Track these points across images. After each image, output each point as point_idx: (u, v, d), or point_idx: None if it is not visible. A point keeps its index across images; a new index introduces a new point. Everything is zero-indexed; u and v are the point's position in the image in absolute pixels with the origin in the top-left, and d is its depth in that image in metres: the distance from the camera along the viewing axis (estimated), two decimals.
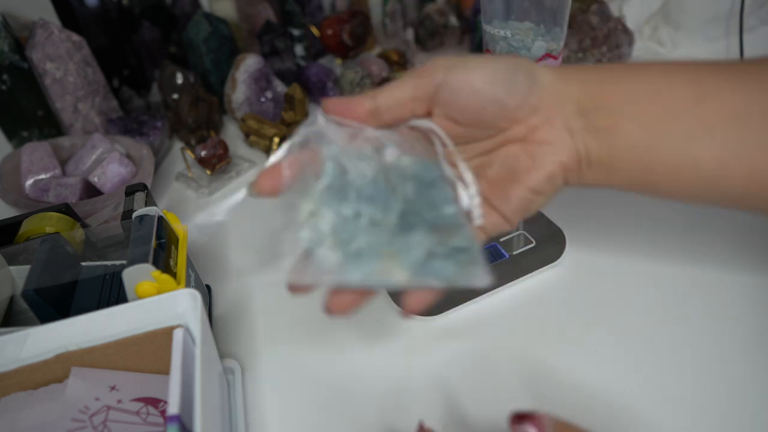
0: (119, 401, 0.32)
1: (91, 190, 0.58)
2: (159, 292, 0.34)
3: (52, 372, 0.32)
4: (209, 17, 0.72)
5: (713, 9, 0.71)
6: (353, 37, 0.85)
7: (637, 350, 0.39)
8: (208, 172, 0.63)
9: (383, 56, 0.83)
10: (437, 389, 0.38)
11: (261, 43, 0.77)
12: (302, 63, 0.84)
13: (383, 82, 0.78)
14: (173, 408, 0.28)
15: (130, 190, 0.47)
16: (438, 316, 0.43)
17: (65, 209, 0.45)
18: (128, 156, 0.61)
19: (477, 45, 0.86)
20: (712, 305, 0.42)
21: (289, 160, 0.34)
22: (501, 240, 0.48)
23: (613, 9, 0.73)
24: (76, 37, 0.65)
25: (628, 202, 0.53)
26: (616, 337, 0.40)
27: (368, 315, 0.44)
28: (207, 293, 0.47)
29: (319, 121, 0.32)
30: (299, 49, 0.83)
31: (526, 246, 0.48)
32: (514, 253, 0.47)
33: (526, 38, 0.53)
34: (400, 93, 0.32)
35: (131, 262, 0.34)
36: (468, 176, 0.32)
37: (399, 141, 0.32)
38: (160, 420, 0.32)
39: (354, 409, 0.38)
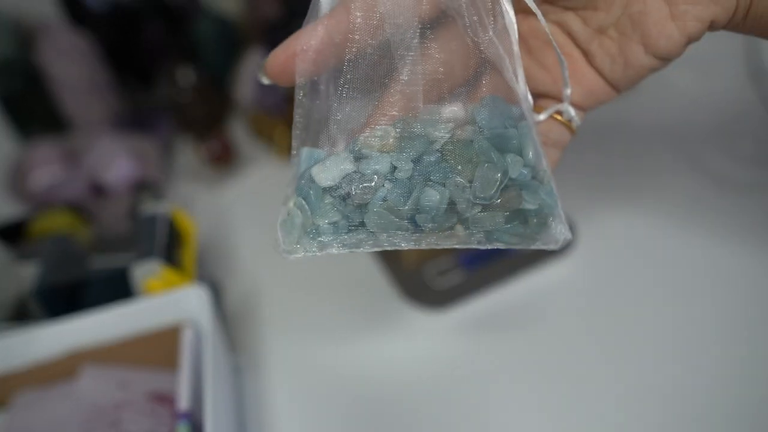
0: (129, 398, 0.32)
1: (99, 189, 0.58)
2: (168, 289, 0.34)
3: (63, 369, 0.33)
4: (215, 14, 0.72)
5: None
6: None
7: (651, 342, 0.39)
8: (216, 169, 0.63)
9: None
10: (447, 384, 0.38)
11: (267, 39, 0.77)
12: None
13: None
14: (183, 404, 0.28)
15: (138, 188, 0.47)
16: (447, 310, 0.43)
17: (74, 207, 0.45)
18: (135, 154, 0.61)
19: None
20: (724, 295, 0.41)
21: (318, 30, 0.24)
22: None
23: None
24: (82, 36, 0.65)
25: (643, 192, 0.53)
26: (629, 330, 0.40)
27: (378, 311, 0.44)
28: (216, 290, 0.47)
29: None
30: None
31: None
32: None
33: None
34: None
35: (140, 259, 0.34)
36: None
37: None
38: (171, 416, 0.32)
39: (364, 404, 0.37)
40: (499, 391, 0.37)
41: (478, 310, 0.43)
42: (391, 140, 0.24)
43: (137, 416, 0.32)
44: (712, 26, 0.24)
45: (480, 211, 0.23)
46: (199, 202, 0.61)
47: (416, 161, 0.23)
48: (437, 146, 0.23)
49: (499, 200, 0.23)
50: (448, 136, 0.24)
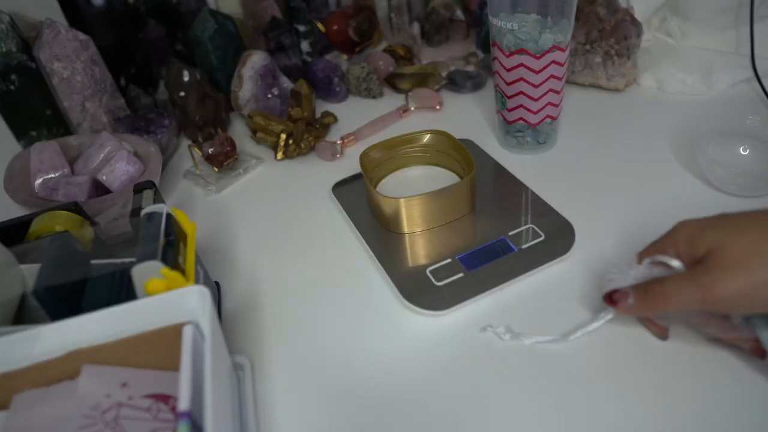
0: (130, 398, 0.32)
1: (99, 189, 0.58)
2: (168, 289, 0.34)
3: (63, 369, 0.33)
4: (215, 14, 0.72)
5: None
6: (359, 32, 0.84)
7: (647, 343, 0.39)
8: (216, 169, 0.63)
9: (389, 51, 0.82)
10: (448, 384, 0.38)
11: (267, 39, 0.77)
12: (308, 59, 0.84)
13: (390, 77, 0.78)
14: (184, 404, 0.28)
15: (139, 188, 0.47)
16: (447, 311, 0.43)
17: (74, 208, 0.45)
18: (136, 154, 0.61)
19: (483, 39, 0.85)
20: None
21: None
22: (510, 234, 0.48)
23: (621, 0, 0.73)
24: (83, 36, 0.66)
25: (638, 196, 0.53)
26: (627, 331, 0.40)
27: (378, 311, 0.44)
28: (216, 290, 0.47)
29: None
30: (305, 45, 0.83)
31: (535, 240, 0.47)
32: (523, 246, 0.47)
33: (533, 31, 0.52)
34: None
35: (140, 260, 0.34)
36: None
37: None
38: (171, 416, 0.32)
39: (363, 404, 0.38)
40: (499, 390, 0.37)
41: (478, 310, 0.43)
42: None
43: (137, 416, 0.32)
44: None
45: None
46: (199, 203, 0.61)
47: None
48: None
49: None
50: None
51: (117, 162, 0.57)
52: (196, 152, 0.64)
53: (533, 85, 0.56)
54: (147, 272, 0.34)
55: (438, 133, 0.57)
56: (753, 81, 0.66)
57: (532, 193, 0.53)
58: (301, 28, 0.81)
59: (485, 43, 0.86)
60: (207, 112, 0.69)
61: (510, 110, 0.59)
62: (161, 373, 0.35)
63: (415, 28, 0.85)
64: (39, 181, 0.58)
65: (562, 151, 0.62)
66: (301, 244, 0.53)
